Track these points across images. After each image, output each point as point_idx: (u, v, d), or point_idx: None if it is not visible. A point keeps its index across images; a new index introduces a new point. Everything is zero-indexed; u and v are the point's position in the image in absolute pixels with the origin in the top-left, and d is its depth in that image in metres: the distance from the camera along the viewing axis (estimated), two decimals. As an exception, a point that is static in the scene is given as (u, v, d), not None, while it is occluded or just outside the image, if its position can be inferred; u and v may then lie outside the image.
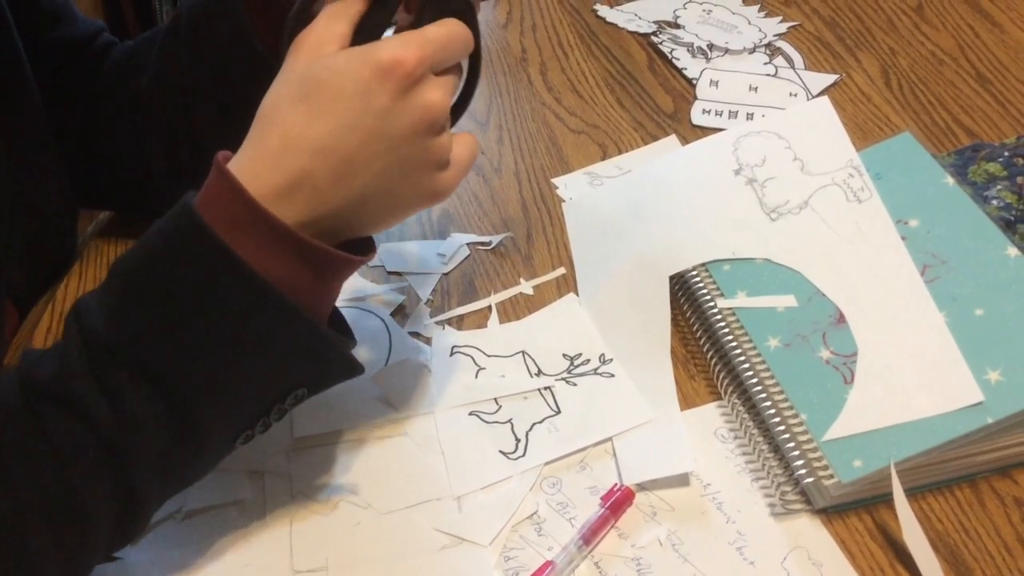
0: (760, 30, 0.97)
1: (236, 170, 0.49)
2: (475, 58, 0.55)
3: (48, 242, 0.76)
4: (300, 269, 0.50)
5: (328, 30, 0.52)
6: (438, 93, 0.51)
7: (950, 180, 0.68)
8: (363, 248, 0.54)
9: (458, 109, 0.55)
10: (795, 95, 0.90)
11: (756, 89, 0.90)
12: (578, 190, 0.81)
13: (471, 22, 0.54)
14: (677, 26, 0.96)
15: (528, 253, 0.76)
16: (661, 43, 0.95)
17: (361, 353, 0.68)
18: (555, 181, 0.82)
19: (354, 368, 0.54)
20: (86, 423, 0.48)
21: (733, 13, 1.00)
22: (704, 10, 0.99)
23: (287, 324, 0.49)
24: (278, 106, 0.51)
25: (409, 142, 0.51)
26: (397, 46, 0.50)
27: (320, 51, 0.51)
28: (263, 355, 0.50)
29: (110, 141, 0.74)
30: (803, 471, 0.57)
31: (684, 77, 0.93)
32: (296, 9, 0.53)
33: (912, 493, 0.58)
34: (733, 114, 0.88)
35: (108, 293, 0.49)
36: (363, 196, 0.51)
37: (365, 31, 0.52)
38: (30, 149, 0.72)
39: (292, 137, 0.49)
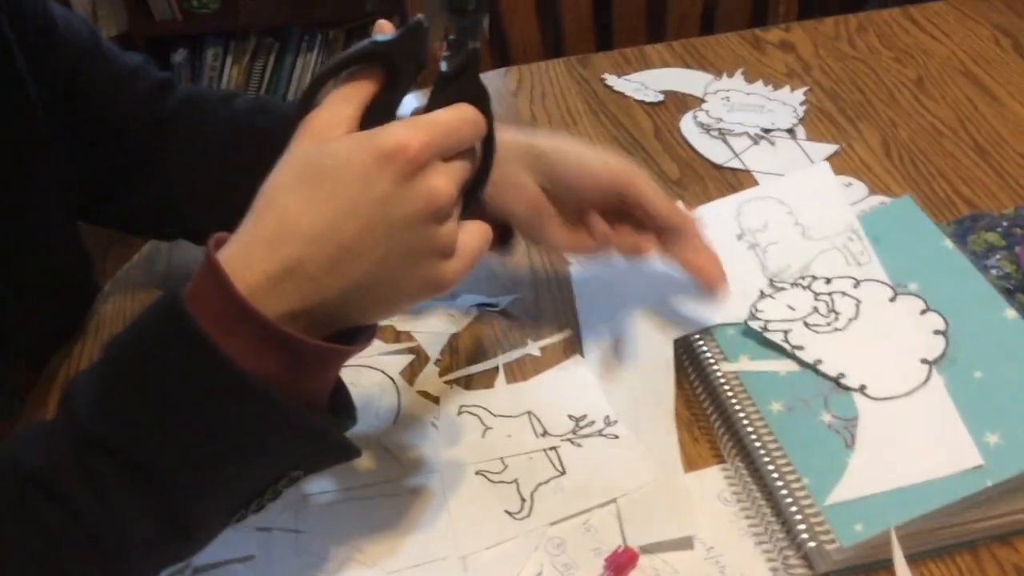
0: (784, 103, 0.99)
1: (228, 258, 0.48)
2: (488, 143, 0.55)
3: (61, 299, 0.76)
4: (288, 363, 0.48)
5: (336, 114, 0.51)
6: (443, 180, 0.49)
7: (949, 243, 0.69)
8: (362, 335, 0.53)
9: (471, 195, 0.54)
10: (796, 161, 0.92)
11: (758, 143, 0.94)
12: (585, 254, 0.83)
13: (485, 107, 0.53)
14: (718, 119, 0.97)
15: (536, 315, 0.78)
16: (713, 135, 0.96)
17: (369, 412, 0.69)
18: (563, 245, 0.84)
19: (348, 451, 0.53)
20: (73, 515, 0.47)
21: (747, 95, 1.02)
22: (722, 98, 1.01)
23: (276, 417, 0.48)
24: (276, 191, 0.50)
25: (410, 230, 0.49)
26: (402, 130, 0.49)
27: (326, 135, 0.50)
28: (252, 447, 0.49)
29: (176, 186, 0.75)
30: (805, 535, 0.57)
31: (690, 145, 0.95)
32: (305, 92, 0.52)
33: (912, 559, 0.58)
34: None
35: (97, 378, 0.49)
36: (360, 285, 0.49)
37: (375, 115, 0.51)
38: (42, 204, 0.72)
39: (287, 223, 0.48)
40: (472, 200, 0.54)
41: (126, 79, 0.75)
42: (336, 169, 0.48)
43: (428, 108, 0.52)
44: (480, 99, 0.53)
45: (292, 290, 0.48)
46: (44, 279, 0.73)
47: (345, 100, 0.51)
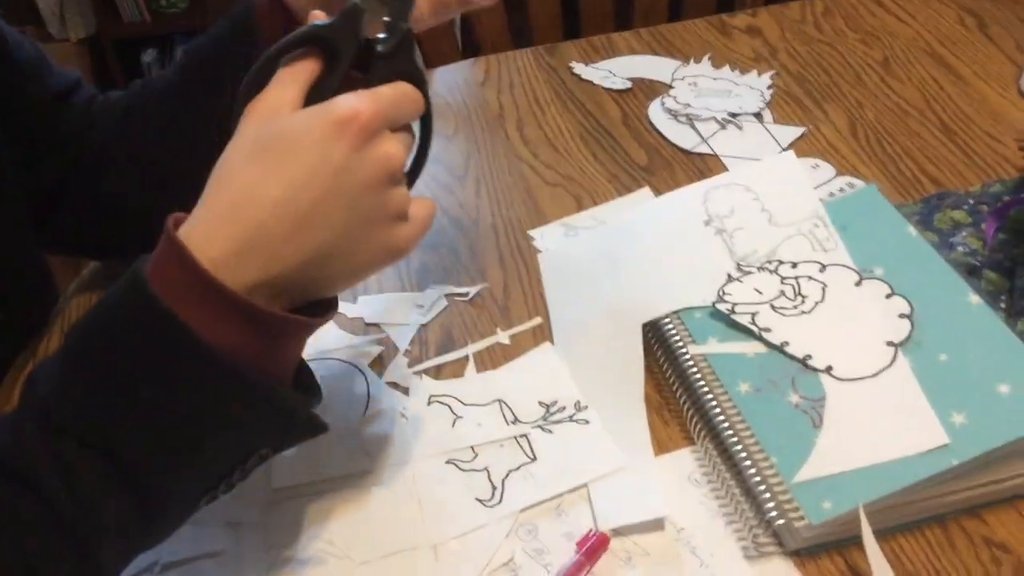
0: (751, 87, 0.99)
1: (187, 234, 0.48)
2: (426, 121, 0.56)
3: (18, 304, 0.75)
4: (253, 335, 0.48)
5: (280, 96, 0.52)
6: (395, 145, 0.51)
7: (913, 230, 0.70)
8: (323, 308, 0.53)
9: (413, 173, 0.56)
10: (763, 145, 0.92)
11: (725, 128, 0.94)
12: (554, 241, 0.83)
13: (421, 86, 0.55)
14: (686, 104, 0.97)
15: (505, 303, 0.77)
16: (681, 120, 0.96)
17: (339, 404, 0.69)
18: (531, 233, 0.84)
19: (316, 427, 0.53)
20: (41, 499, 0.46)
21: (715, 80, 1.02)
22: (689, 84, 1.01)
23: (242, 391, 0.48)
24: (231, 168, 0.50)
25: (368, 194, 0.50)
26: (352, 100, 0.50)
27: (273, 115, 0.51)
28: (219, 423, 0.49)
29: (113, 196, 0.74)
30: (774, 513, 0.58)
31: (658, 131, 0.95)
32: (249, 78, 0.54)
33: (883, 534, 0.58)
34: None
35: (61, 363, 0.49)
36: (321, 253, 0.50)
37: (316, 96, 0.52)
38: None
39: (245, 195, 0.49)
40: (414, 178, 0.56)
41: (68, 94, 0.76)
42: (294, 139, 0.49)
43: (366, 86, 0.53)
44: (416, 78, 0.55)
45: (254, 261, 0.48)
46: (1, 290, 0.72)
47: (288, 82, 0.52)
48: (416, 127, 0.55)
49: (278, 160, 0.49)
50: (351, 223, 0.50)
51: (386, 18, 0.55)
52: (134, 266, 0.48)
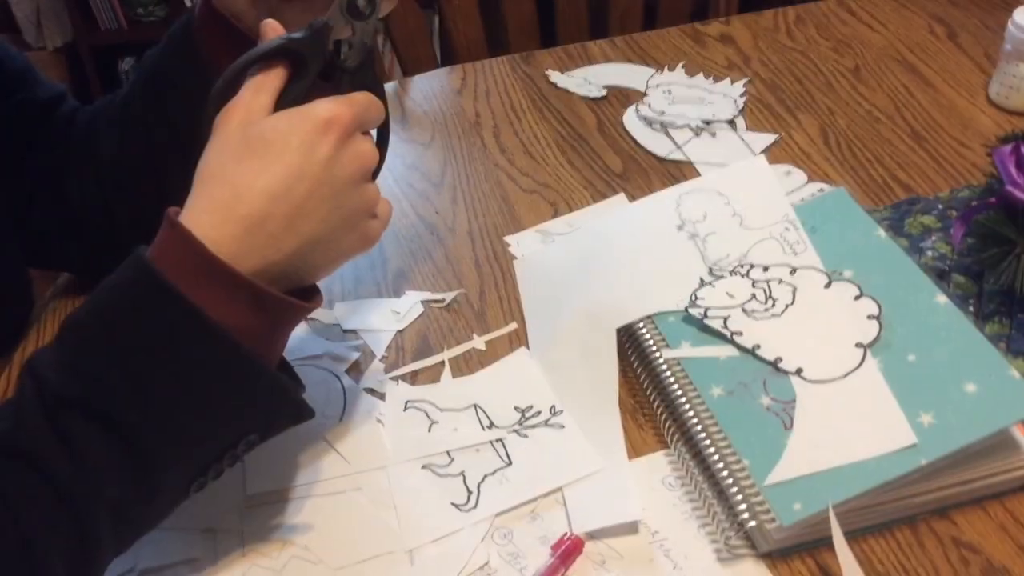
0: (724, 95, 1.00)
1: (188, 223, 0.51)
2: (384, 128, 0.61)
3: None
4: (256, 317, 0.52)
5: (253, 101, 0.55)
6: (369, 145, 0.57)
7: (882, 232, 0.71)
8: (309, 294, 0.57)
9: (374, 173, 0.60)
10: (737, 152, 0.93)
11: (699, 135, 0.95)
12: (530, 247, 0.83)
13: (382, 96, 0.60)
14: (660, 112, 0.98)
15: (481, 309, 0.78)
16: (655, 128, 0.97)
17: (316, 409, 0.68)
18: (507, 239, 0.85)
19: (303, 412, 0.56)
20: (41, 475, 0.48)
21: (689, 88, 1.02)
22: (663, 92, 1.02)
23: (243, 371, 0.51)
24: (222, 164, 0.53)
25: (348, 188, 0.55)
26: (332, 104, 0.55)
27: (251, 118, 0.54)
28: (218, 400, 0.51)
29: (77, 206, 0.75)
30: (746, 515, 0.58)
31: (632, 139, 0.96)
32: (220, 85, 0.57)
33: (853, 535, 0.59)
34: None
35: (62, 346, 0.51)
36: (311, 240, 0.54)
37: (284, 104, 0.56)
38: None
39: (242, 188, 0.52)
40: (374, 177, 0.59)
41: (54, 106, 0.77)
42: (282, 138, 0.53)
43: (330, 94, 0.57)
44: (377, 90, 0.60)
45: (255, 248, 0.52)
46: None
47: (260, 90, 0.56)
48: (373, 134, 0.60)
49: (270, 156, 0.53)
50: (335, 214, 0.55)
51: (352, 35, 0.59)
52: (135, 253, 0.51)
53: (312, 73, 0.58)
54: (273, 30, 0.59)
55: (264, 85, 0.56)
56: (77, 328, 0.51)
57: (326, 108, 0.54)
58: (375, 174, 0.59)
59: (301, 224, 0.53)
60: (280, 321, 0.54)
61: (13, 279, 0.77)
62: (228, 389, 0.51)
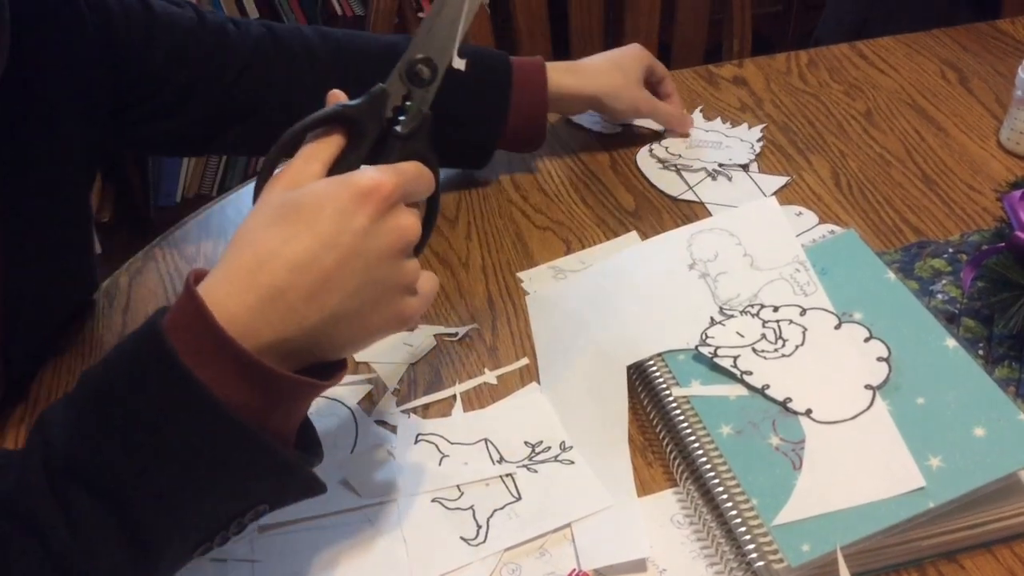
0: (742, 140, 1.01)
1: (207, 291, 0.50)
2: (434, 200, 0.59)
3: (59, 294, 0.77)
4: (264, 396, 0.50)
5: (303, 169, 0.54)
6: (412, 218, 0.54)
7: (891, 275, 0.71)
8: (331, 370, 0.54)
9: (417, 249, 0.57)
10: (749, 193, 0.94)
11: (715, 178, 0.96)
12: (542, 284, 0.84)
13: (433, 168, 0.57)
14: (677, 155, 0.99)
15: (493, 344, 0.79)
16: (672, 169, 0.98)
17: (327, 442, 0.69)
18: (520, 275, 0.86)
19: (315, 487, 0.54)
20: (40, 540, 0.47)
21: (707, 132, 1.03)
22: (682, 136, 1.04)
23: (247, 449, 0.50)
24: (254, 231, 0.52)
25: (384, 263, 0.52)
26: (375, 172, 0.53)
27: (295, 186, 0.53)
28: (222, 477, 0.50)
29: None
30: (754, 555, 0.59)
31: (645, 178, 0.97)
32: (274, 150, 0.56)
33: (861, 577, 0.59)
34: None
35: (72, 407, 0.50)
36: (336, 316, 0.51)
37: (340, 171, 0.54)
38: (48, 206, 0.73)
39: (266, 255, 0.50)
40: (418, 252, 0.57)
41: (181, 52, 0.81)
42: (316, 205, 0.51)
43: (382, 162, 0.56)
44: (429, 160, 0.57)
45: (272, 320, 0.50)
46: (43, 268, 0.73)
47: (312, 158, 0.55)
48: (422, 206, 0.58)
49: (300, 224, 0.51)
50: (366, 289, 0.52)
51: (408, 103, 0.58)
52: (152, 317, 0.50)
53: (369, 141, 0.56)
54: (335, 99, 0.57)
55: (317, 152, 0.55)
56: (87, 390, 0.50)
57: (368, 176, 0.52)
58: (419, 249, 0.56)
59: (326, 297, 0.51)
60: (290, 399, 0.52)
61: (80, 263, 0.80)
62: (231, 465, 0.50)
